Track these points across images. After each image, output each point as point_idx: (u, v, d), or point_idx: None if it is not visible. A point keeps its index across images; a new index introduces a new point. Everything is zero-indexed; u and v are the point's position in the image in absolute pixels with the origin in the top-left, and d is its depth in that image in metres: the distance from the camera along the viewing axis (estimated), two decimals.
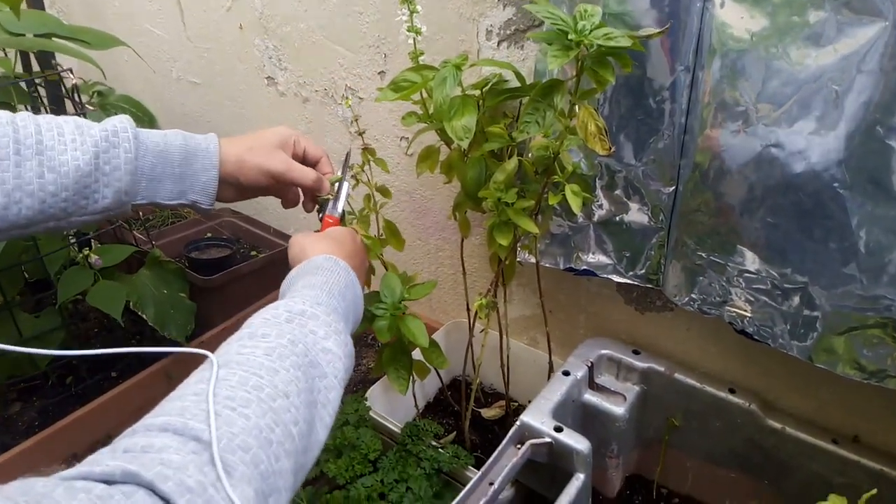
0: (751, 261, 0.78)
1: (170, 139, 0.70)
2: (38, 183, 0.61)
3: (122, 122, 0.67)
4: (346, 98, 0.87)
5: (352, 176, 0.85)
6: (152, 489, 0.37)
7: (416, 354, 0.92)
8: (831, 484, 0.85)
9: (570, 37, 0.66)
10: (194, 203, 0.72)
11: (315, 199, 0.82)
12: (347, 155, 0.85)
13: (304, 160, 0.79)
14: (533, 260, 0.96)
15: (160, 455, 0.40)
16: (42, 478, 0.36)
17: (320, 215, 0.81)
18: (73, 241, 1.31)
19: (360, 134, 0.90)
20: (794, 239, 0.73)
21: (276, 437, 0.45)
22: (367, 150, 0.89)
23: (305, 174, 0.76)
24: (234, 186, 0.75)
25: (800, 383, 0.89)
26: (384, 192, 0.91)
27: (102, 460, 0.39)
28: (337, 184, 0.81)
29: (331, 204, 0.81)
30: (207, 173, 0.71)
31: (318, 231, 0.79)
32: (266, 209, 1.60)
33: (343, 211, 0.81)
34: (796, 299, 0.76)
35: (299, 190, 0.81)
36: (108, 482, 0.37)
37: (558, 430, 0.83)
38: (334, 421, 0.54)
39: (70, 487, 0.36)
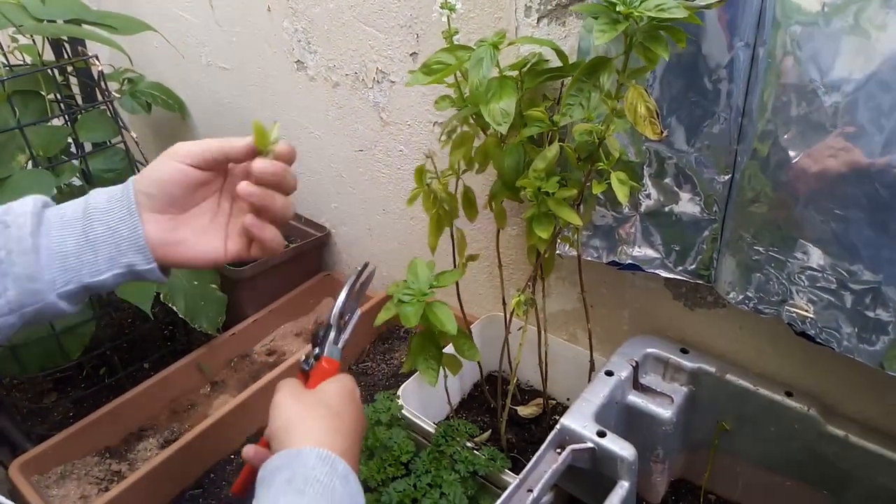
0: (815, 257, 0.71)
1: (87, 202, 0.55)
2: None
3: (26, 201, 0.54)
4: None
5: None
6: None
7: (449, 350, 0.88)
8: None
9: (618, 8, 0.60)
10: (130, 267, 0.54)
11: (314, 334, 0.64)
12: (365, 268, 0.67)
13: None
14: (574, 253, 0.90)
15: None
16: None
17: (316, 351, 0.62)
18: None
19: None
20: (867, 234, 0.66)
21: None
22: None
23: (232, 141, 0.57)
24: (167, 217, 0.56)
25: (865, 387, 0.82)
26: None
27: None
28: (337, 313, 0.62)
29: (332, 336, 0.61)
30: (130, 219, 0.54)
31: (308, 378, 0.61)
32: (295, 196, 1.57)
33: (343, 347, 0.63)
34: (866, 300, 0.69)
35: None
36: None
37: (601, 434, 0.78)
38: None
39: None
